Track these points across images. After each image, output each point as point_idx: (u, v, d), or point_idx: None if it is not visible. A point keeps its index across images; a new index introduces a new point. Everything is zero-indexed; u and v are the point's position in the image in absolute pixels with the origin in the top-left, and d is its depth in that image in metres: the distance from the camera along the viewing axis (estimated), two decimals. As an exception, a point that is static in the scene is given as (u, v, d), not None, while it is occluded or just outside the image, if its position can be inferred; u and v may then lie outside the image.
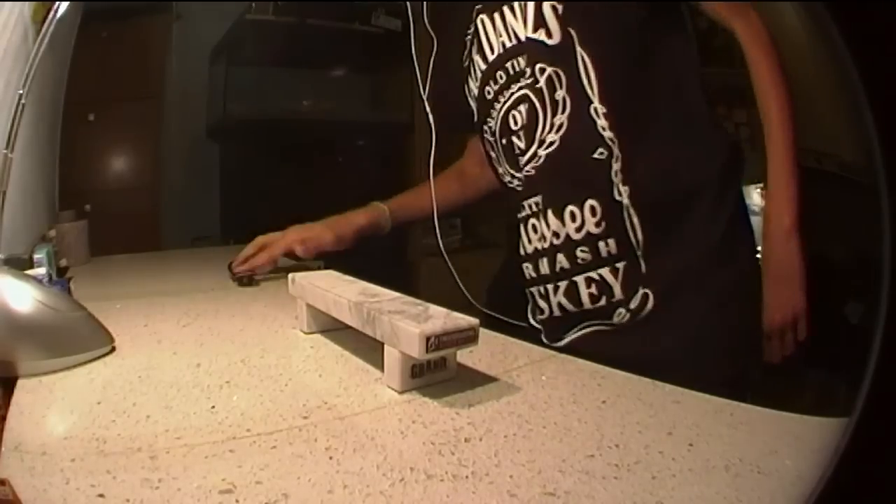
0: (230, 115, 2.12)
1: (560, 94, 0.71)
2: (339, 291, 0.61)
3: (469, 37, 0.83)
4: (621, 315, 0.72)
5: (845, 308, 1.29)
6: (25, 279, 0.60)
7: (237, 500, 0.35)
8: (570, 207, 0.71)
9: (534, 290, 0.80)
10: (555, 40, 0.71)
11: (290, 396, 0.51)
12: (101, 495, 0.35)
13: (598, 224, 0.70)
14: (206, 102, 2.19)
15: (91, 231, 1.30)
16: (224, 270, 1.01)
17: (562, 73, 0.71)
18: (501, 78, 0.78)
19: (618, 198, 0.70)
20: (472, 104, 0.86)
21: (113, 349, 0.62)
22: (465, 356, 0.57)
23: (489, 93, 0.80)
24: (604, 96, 0.69)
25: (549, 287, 0.76)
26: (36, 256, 0.89)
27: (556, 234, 0.73)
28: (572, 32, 0.70)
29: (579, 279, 0.73)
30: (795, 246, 0.72)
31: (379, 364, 0.54)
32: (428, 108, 0.92)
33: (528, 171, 0.76)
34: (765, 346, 0.74)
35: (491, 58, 0.79)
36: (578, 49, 0.70)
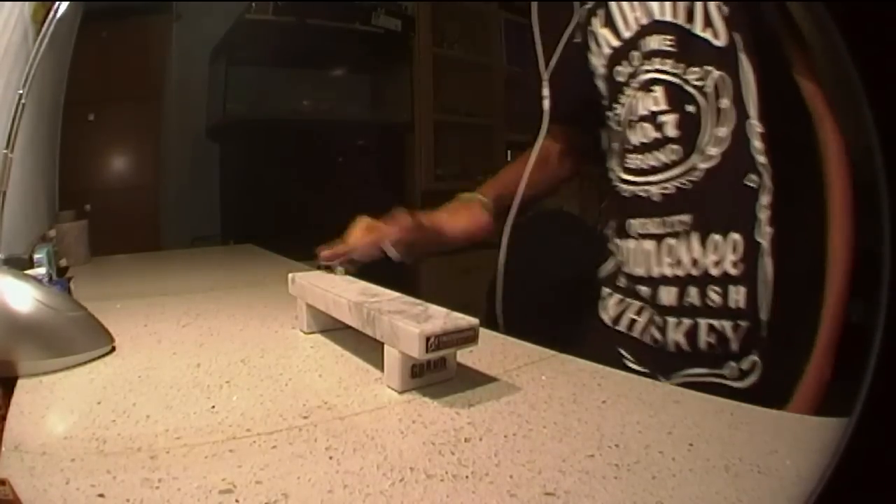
0: (230, 115, 2.12)
1: (725, 102, 0.62)
2: (339, 291, 0.61)
3: (589, 6, 0.74)
4: (732, 370, 0.65)
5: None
6: (25, 279, 0.60)
7: (237, 500, 0.35)
8: (715, 237, 0.63)
9: (644, 316, 0.71)
10: (721, 42, 0.61)
11: (290, 396, 0.51)
12: (101, 495, 0.35)
13: (735, 265, 0.62)
14: (206, 102, 2.20)
15: (91, 231, 1.30)
16: (224, 270, 1.01)
17: (728, 80, 0.61)
18: (635, 59, 0.68)
19: (758, 239, 0.61)
20: (599, 84, 0.75)
21: (113, 349, 0.62)
22: (465, 356, 0.57)
23: (618, 73, 0.71)
24: (762, 113, 0.60)
25: (671, 320, 0.67)
26: (36, 256, 0.89)
27: (694, 263, 0.64)
28: (737, 37, 0.61)
29: (702, 323, 0.65)
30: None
31: (379, 364, 0.54)
32: (546, 91, 0.81)
33: (681, 183, 0.65)
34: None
35: (626, 34, 0.69)
36: (742, 56, 0.61)
